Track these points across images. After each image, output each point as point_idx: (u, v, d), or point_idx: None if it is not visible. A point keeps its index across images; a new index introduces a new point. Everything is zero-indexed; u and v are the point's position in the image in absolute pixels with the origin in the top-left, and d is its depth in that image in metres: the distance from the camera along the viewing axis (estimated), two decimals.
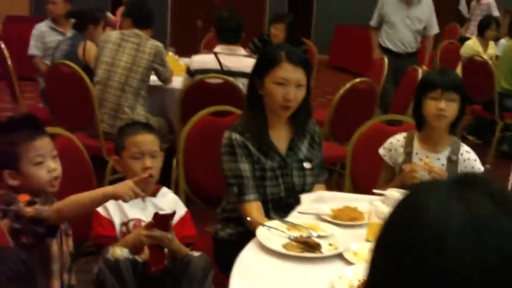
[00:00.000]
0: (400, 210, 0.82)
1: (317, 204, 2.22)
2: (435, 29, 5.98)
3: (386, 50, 5.77)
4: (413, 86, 4.35)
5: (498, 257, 0.73)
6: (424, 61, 5.97)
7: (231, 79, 3.66)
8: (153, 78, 4.02)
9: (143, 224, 2.15)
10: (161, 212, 2.08)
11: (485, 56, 5.91)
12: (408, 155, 2.44)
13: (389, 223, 0.82)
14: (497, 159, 5.48)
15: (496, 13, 8.44)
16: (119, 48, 3.87)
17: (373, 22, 5.99)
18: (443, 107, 2.28)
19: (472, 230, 0.74)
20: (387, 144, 2.52)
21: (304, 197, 2.27)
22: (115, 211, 2.21)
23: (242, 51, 3.91)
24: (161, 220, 2.05)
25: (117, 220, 2.21)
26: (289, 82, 2.25)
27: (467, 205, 0.76)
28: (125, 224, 2.22)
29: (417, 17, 5.78)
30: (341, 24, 10.83)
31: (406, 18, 5.76)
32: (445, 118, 2.32)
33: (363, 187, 2.67)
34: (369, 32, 6.15)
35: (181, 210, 2.32)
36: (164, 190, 2.38)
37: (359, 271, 1.59)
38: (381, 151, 2.53)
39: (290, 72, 2.25)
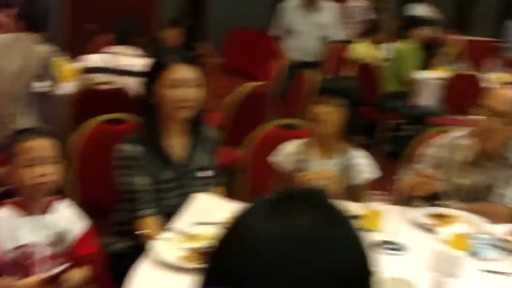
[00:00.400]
0: (231, 224, 0.83)
1: (211, 211, 2.20)
2: (339, 35, 5.93)
3: (290, 59, 5.60)
4: (306, 92, 4.49)
5: (306, 272, 0.73)
6: (329, 67, 5.88)
7: (126, 78, 3.62)
8: (43, 85, 3.86)
9: (37, 249, 1.92)
10: (46, 276, 1.86)
11: (374, 59, 6.15)
12: (302, 162, 2.47)
13: (221, 236, 0.83)
14: (383, 157, 5.70)
15: (372, 16, 8.59)
16: (6, 52, 3.67)
17: (274, 31, 5.83)
18: (327, 111, 2.33)
19: (283, 245, 0.75)
20: (280, 151, 2.53)
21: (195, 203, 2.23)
22: (7, 235, 1.91)
23: (136, 51, 3.86)
24: (52, 280, 1.86)
25: (9, 245, 1.91)
26: (181, 83, 2.22)
27: (283, 221, 0.77)
28: (17, 249, 1.92)
29: (321, 23, 5.68)
30: (236, 27, 10.90)
31: (309, 25, 5.64)
32: (330, 123, 2.36)
33: (259, 191, 2.69)
34: (272, 41, 5.95)
35: (77, 227, 2.06)
36: (61, 203, 2.08)
37: None
38: (273, 158, 2.54)
39: (181, 73, 2.23)
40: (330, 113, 2.34)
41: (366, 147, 2.61)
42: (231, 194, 2.64)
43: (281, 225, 0.77)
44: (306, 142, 2.50)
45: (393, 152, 6.00)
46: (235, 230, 0.81)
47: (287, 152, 2.51)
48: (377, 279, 0.80)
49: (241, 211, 0.83)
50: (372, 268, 0.80)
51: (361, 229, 0.82)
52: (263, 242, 0.76)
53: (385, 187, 2.52)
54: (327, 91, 2.36)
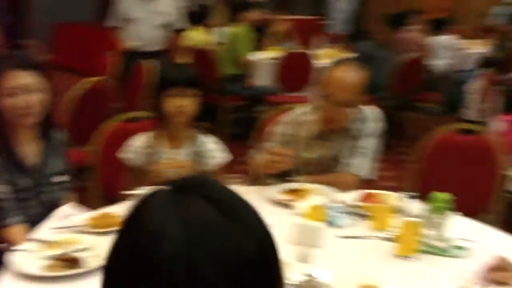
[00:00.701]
0: (125, 220, 0.83)
1: (69, 216, 2.11)
2: (181, 23, 5.69)
3: (128, 50, 5.34)
4: (143, 83, 4.42)
5: (206, 258, 0.75)
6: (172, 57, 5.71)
7: None
8: None
9: None
10: None
11: (207, 44, 6.21)
12: (152, 154, 2.44)
13: (118, 233, 0.83)
14: (230, 140, 5.82)
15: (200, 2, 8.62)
16: None
17: (111, 22, 5.54)
18: (184, 103, 2.33)
19: (184, 233, 0.76)
20: (128, 146, 2.48)
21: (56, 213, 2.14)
22: None
23: None
24: None
25: None
26: (21, 90, 2.08)
27: (180, 210, 0.78)
28: None
29: (160, 11, 5.41)
30: (63, 22, 10.42)
31: (147, 12, 5.36)
32: (187, 114, 2.37)
33: (111, 190, 2.62)
34: (108, 33, 5.66)
35: None
36: None
37: None
38: (122, 154, 2.48)
39: (18, 79, 2.09)
40: (187, 105, 2.33)
41: (210, 131, 2.64)
42: (83, 194, 2.55)
43: (179, 215, 0.77)
44: (154, 134, 2.46)
45: (236, 134, 6.15)
46: (133, 224, 0.80)
47: (136, 146, 2.46)
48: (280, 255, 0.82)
49: (136, 206, 0.82)
50: (276, 247, 0.82)
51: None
52: (166, 233, 0.76)
53: (234, 169, 2.57)
54: (177, 82, 2.34)
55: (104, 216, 2.10)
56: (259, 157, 2.63)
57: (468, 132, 3.03)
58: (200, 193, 0.80)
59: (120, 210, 2.12)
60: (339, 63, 2.61)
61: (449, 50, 7.30)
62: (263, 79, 6.23)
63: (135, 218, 0.81)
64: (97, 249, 1.84)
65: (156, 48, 5.44)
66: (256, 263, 0.78)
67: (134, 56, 5.18)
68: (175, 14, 5.56)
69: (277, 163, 2.42)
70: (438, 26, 7.64)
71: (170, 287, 0.74)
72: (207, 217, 0.78)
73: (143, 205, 0.81)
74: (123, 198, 2.18)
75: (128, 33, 5.42)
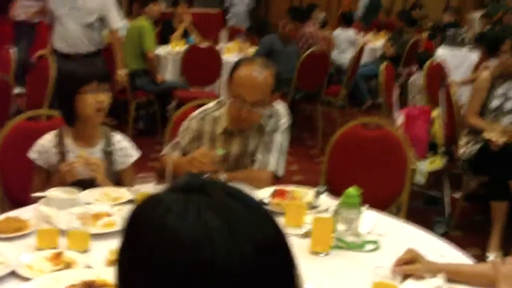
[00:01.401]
0: (142, 232, 0.80)
1: None
2: (117, 22, 4.93)
3: (56, 52, 4.73)
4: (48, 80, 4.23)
5: (252, 249, 0.77)
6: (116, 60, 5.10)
7: None
8: None
9: None
10: None
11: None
12: (62, 154, 2.34)
13: (135, 246, 0.80)
14: (135, 136, 5.70)
15: None
16: None
17: (47, 18, 4.98)
18: (101, 99, 2.25)
19: (226, 231, 0.77)
20: (37, 146, 2.37)
21: None
22: None
23: None
24: None
25: None
26: None
27: (215, 209, 0.78)
28: None
29: (87, 8, 4.70)
30: None
31: (73, 9, 4.69)
32: (104, 111, 2.30)
33: (16, 194, 2.49)
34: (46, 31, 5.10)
35: None
36: None
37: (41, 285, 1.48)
38: (32, 155, 2.37)
39: None
40: (103, 101, 2.26)
41: (116, 128, 2.58)
42: None
43: (200, 217, 0.77)
44: (63, 132, 2.37)
45: (143, 130, 6.05)
46: (160, 234, 0.78)
47: (44, 146, 2.36)
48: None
49: (147, 215, 0.80)
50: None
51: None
52: (204, 235, 0.76)
53: (143, 166, 2.51)
54: (90, 77, 2.25)
55: (8, 220, 1.98)
56: (173, 155, 2.58)
57: (374, 125, 3.12)
58: (219, 191, 0.81)
59: (25, 213, 2.01)
60: (244, 61, 2.54)
61: (351, 44, 7.51)
62: (170, 74, 6.15)
63: (160, 232, 0.78)
64: (2, 256, 1.73)
65: (85, 50, 4.76)
66: (282, 246, 0.83)
67: (63, 58, 4.65)
68: (105, 13, 4.76)
69: (200, 163, 2.37)
70: (343, 20, 7.85)
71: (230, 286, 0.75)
72: (237, 210, 0.79)
73: (157, 215, 0.79)
74: (30, 201, 2.07)
75: (56, 33, 4.78)
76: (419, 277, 1.73)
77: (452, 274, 1.75)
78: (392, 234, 2.11)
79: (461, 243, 4.07)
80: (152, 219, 0.79)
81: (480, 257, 3.85)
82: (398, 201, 2.95)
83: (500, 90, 4.13)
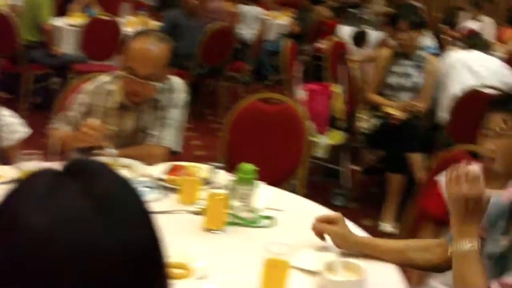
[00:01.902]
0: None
1: None
2: None
3: None
4: None
5: (73, 253, 0.71)
6: None
7: None
8: None
9: None
10: None
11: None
12: None
13: None
14: (31, 111, 5.43)
15: None
16: None
17: None
18: None
19: (48, 225, 0.71)
20: None
21: None
22: None
23: None
24: None
25: None
26: None
27: (52, 198, 0.73)
28: None
29: None
30: None
31: None
32: None
33: None
34: None
35: None
36: None
37: None
38: None
39: None
40: None
41: (10, 102, 2.42)
42: None
43: (56, 210, 0.72)
44: None
45: (40, 104, 5.77)
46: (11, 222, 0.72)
47: None
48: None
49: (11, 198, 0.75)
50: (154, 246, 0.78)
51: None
52: (43, 227, 0.70)
53: (36, 142, 2.38)
54: None
55: None
56: (62, 129, 2.46)
57: (275, 100, 3.10)
58: (78, 181, 0.74)
59: None
60: (140, 34, 2.47)
61: (256, 20, 7.49)
62: (68, 47, 5.89)
63: (11, 219, 0.73)
64: None
65: None
66: (119, 263, 0.73)
67: None
68: None
69: (88, 137, 2.26)
70: None
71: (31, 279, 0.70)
72: (75, 211, 0.72)
73: (21, 186, 0.76)
74: None
75: None
76: (312, 252, 1.73)
77: (367, 247, 1.77)
78: (289, 209, 2.10)
79: (358, 214, 4.21)
80: (12, 208, 0.74)
81: (373, 228, 3.97)
82: (297, 175, 2.97)
83: (399, 68, 4.24)
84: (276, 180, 2.79)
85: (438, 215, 2.02)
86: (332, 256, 1.62)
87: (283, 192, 2.32)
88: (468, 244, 1.49)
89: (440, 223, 2.04)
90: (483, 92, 3.99)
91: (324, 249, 1.73)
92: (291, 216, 2.05)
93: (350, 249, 1.75)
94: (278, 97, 3.12)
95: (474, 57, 4.30)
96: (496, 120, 1.79)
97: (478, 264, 1.50)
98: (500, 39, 7.83)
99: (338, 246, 1.73)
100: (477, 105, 3.81)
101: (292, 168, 2.96)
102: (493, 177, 1.77)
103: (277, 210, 2.07)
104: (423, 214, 2.18)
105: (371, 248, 1.77)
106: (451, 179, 1.54)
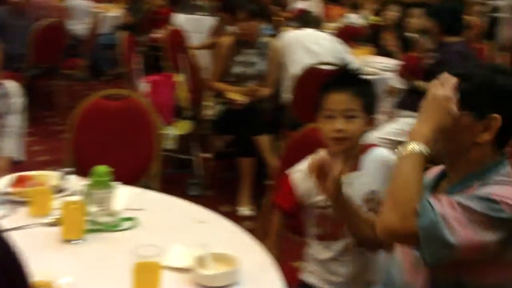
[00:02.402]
0: None
1: None
2: None
3: None
4: None
5: None
6: None
7: None
8: None
9: None
10: None
11: None
12: None
13: None
14: None
15: None
16: None
17: None
18: None
19: None
20: None
21: None
22: None
23: None
24: None
25: None
26: None
27: None
28: None
29: None
30: None
31: None
32: None
33: None
34: None
35: None
36: None
37: None
38: None
39: None
40: None
41: None
42: None
43: None
44: None
45: None
46: None
47: None
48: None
49: None
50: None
51: None
52: None
53: None
54: None
55: None
56: None
57: (117, 96, 2.98)
58: None
59: None
60: None
61: (87, 14, 7.19)
62: None
63: None
64: None
65: None
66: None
67: None
68: None
69: None
70: None
71: None
72: None
73: None
74: None
75: None
76: (181, 248, 1.69)
77: (352, 207, 1.84)
78: (149, 207, 2.04)
79: (215, 202, 4.22)
80: None
81: (232, 214, 4.01)
82: (151, 170, 2.89)
83: (243, 57, 4.25)
84: (131, 178, 2.70)
85: (286, 209, 2.06)
86: (202, 250, 1.60)
87: (140, 190, 2.25)
88: (417, 147, 1.45)
89: (288, 216, 2.10)
90: (320, 69, 4.17)
91: (193, 244, 1.70)
92: (152, 214, 1.99)
93: (336, 203, 1.82)
94: (121, 92, 3.00)
95: (307, 34, 4.47)
96: (337, 100, 1.87)
97: (421, 170, 1.46)
98: (328, 17, 8.25)
99: (326, 193, 1.79)
100: (316, 82, 3.97)
101: (146, 163, 2.87)
102: (346, 156, 1.85)
103: (138, 209, 2.00)
104: (274, 205, 2.20)
105: (355, 211, 1.85)
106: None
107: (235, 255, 1.60)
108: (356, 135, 1.91)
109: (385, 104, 4.41)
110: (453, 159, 1.56)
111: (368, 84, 2.01)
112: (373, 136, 4.05)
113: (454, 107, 1.45)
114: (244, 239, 1.84)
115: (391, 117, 4.29)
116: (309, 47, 4.38)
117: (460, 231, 1.35)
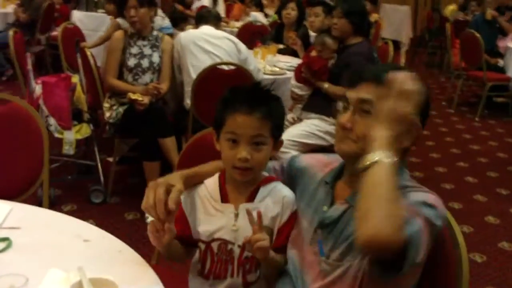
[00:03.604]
0: None
1: None
2: None
3: None
4: None
5: None
6: None
7: None
8: None
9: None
10: None
11: None
12: None
13: None
14: None
15: None
16: None
17: None
18: None
19: None
20: None
21: None
22: None
23: None
24: None
25: None
26: None
27: None
28: None
29: None
30: None
31: None
32: None
33: None
34: None
35: None
36: None
37: None
38: None
39: None
40: None
41: None
42: None
43: None
44: None
45: None
46: None
47: None
48: None
49: None
50: None
51: None
52: None
53: None
54: None
55: None
56: None
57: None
58: None
59: None
60: None
61: None
62: None
63: None
64: None
65: None
66: None
67: None
68: None
69: None
70: None
71: None
72: None
73: None
74: None
75: None
76: (58, 272, 1.49)
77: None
78: (26, 225, 1.81)
79: (120, 209, 4.00)
80: None
81: (139, 221, 3.81)
82: (39, 181, 2.63)
83: (135, 49, 4.08)
84: (17, 192, 2.48)
85: (178, 233, 1.68)
86: (79, 274, 1.41)
87: (22, 205, 2.01)
88: (385, 154, 1.38)
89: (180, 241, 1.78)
90: (220, 69, 4.02)
91: (72, 267, 1.49)
92: (29, 232, 1.77)
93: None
94: (2, 97, 2.70)
95: (203, 34, 4.27)
96: (244, 125, 1.64)
97: (395, 177, 1.38)
98: (230, 15, 8.16)
99: None
100: (216, 83, 3.84)
101: (32, 174, 2.61)
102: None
103: (12, 228, 1.77)
104: None
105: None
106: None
107: (117, 279, 1.41)
108: (262, 164, 1.71)
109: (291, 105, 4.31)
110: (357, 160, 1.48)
111: (278, 103, 1.74)
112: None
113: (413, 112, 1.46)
114: (134, 259, 1.65)
115: (297, 119, 4.19)
116: (205, 47, 4.20)
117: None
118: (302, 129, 4.01)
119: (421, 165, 5.36)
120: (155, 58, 4.13)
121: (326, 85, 4.01)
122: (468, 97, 8.40)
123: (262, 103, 1.67)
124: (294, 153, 3.96)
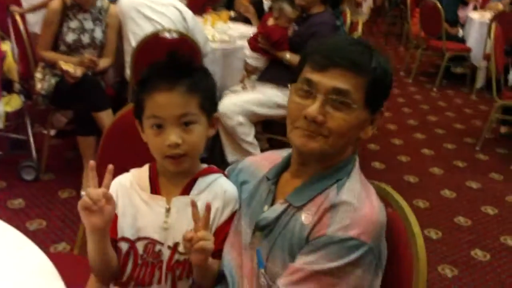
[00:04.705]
0: None
1: None
2: None
3: None
4: None
5: None
6: None
7: None
8: None
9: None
10: None
11: None
12: None
13: None
14: None
15: None
16: None
17: None
18: None
19: None
20: None
21: None
22: None
23: None
24: None
25: None
26: None
27: None
28: None
29: None
30: None
31: None
32: None
33: None
34: None
35: None
36: None
37: None
38: None
39: None
40: None
41: None
42: None
43: None
44: None
45: None
46: None
47: None
48: None
49: None
50: None
51: None
52: None
53: None
54: None
55: None
56: None
57: None
58: None
59: None
60: None
61: None
62: None
63: None
64: None
65: None
66: None
67: None
68: None
69: None
70: None
71: None
72: None
73: None
74: None
75: None
76: None
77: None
78: None
79: (54, 186, 3.73)
80: None
81: (75, 199, 3.56)
82: None
83: (75, 23, 3.72)
84: None
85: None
86: None
87: None
88: None
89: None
90: (161, 38, 3.72)
91: None
92: None
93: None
94: None
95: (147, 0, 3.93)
96: (167, 104, 1.38)
97: None
98: None
99: None
100: (158, 52, 3.52)
101: None
102: None
103: None
104: None
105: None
106: None
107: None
108: (197, 148, 1.43)
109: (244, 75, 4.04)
110: (324, 156, 1.34)
111: (204, 73, 1.48)
112: (229, 102, 3.72)
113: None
114: (32, 260, 1.40)
115: (251, 87, 3.93)
116: (148, 14, 3.86)
117: None
118: (255, 96, 3.77)
119: (378, 137, 5.19)
120: (98, 33, 3.77)
121: (287, 55, 3.76)
122: (427, 67, 8.27)
123: (183, 76, 1.41)
124: (241, 120, 3.72)
